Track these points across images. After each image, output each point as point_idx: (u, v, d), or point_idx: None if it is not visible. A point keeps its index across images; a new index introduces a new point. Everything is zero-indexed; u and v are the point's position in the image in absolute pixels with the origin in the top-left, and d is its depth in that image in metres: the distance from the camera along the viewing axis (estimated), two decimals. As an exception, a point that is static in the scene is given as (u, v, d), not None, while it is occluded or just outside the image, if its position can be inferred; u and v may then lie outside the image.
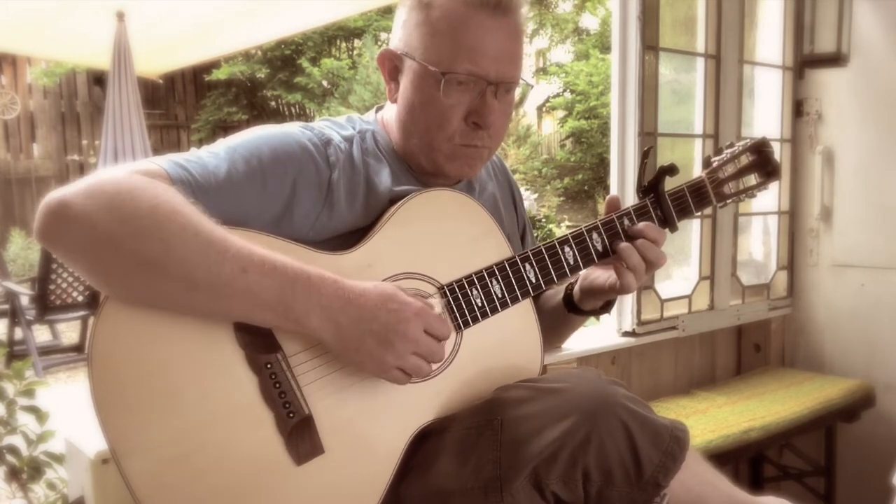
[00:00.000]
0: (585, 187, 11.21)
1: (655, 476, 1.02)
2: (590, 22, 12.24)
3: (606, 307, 1.35)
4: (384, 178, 1.18)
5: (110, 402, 0.95)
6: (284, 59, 10.68)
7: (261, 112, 11.27)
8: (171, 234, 0.94)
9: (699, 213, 1.31)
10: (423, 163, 1.21)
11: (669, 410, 2.20)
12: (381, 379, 1.04)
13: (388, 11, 10.51)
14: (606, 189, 9.54)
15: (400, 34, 1.20)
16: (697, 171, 2.41)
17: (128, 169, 1.00)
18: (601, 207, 10.53)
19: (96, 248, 0.94)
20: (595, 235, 1.24)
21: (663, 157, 2.31)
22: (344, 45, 11.47)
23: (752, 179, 1.33)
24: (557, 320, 1.37)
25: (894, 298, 2.48)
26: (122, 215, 0.93)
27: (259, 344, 1.01)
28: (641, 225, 1.24)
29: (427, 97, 1.15)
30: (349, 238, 1.13)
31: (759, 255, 2.78)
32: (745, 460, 2.53)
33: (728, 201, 1.34)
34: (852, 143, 2.55)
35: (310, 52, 10.65)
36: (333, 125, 1.21)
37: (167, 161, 1.03)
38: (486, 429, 1.04)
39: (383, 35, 10.94)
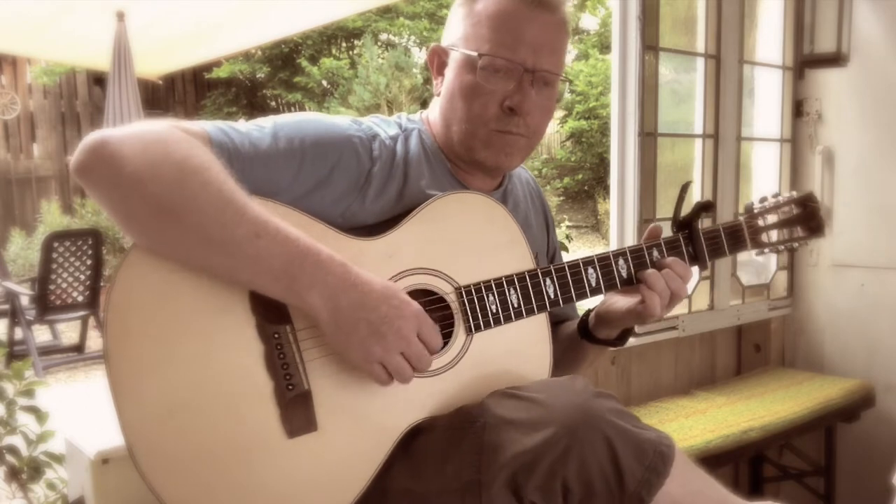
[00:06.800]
0: (585, 187, 11.21)
1: (638, 491, 1.01)
2: (589, 22, 12.23)
3: (622, 338, 1.34)
4: (423, 178, 1.20)
5: (119, 346, 0.97)
6: (284, 57, 10.69)
7: (261, 112, 11.27)
8: (194, 186, 0.96)
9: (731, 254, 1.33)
10: (461, 152, 1.23)
11: (669, 411, 2.21)
12: (364, 372, 1.04)
13: (386, 12, 10.52)
14: (606, 189, 9.53)
15: (448, 30, 1.25)
16: (698, 171, 2.45)
17: (171, 123, 1.03)
18: (601, 207, 10.53)
19: (123, 187, 0.96)
20: (621, 261, 1.24)
21: (663, 158, 2.31)
22: (343, 44, 11.47)
23: (793, 231, 1.33)
24: (571, 348, 1.37)
25: (894, 298, 2.48)
26: (153, 160, 0.96)
27: (271, 313, 1.02)
28: (669, 259, 1.25)
29: (467, 83, 1.19)
30: (376, 228, 1.15)
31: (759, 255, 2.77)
32: (745, 460, 2.53)
33: (766, 250, 1.34)
34: (852, 143, 2.55)
35: (308, 50, 10.65)
36: (381, 122, 1.24)
37: (211, 125, 1.07)
38: (469, 432, 1.04)
39: (382, 35, 10.95)
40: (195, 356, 0.99)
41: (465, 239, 1.18)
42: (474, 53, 1.18)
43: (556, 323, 1.32)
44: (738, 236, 1.31)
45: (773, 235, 1.32)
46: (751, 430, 2.06)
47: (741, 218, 1.33)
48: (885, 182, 2.48)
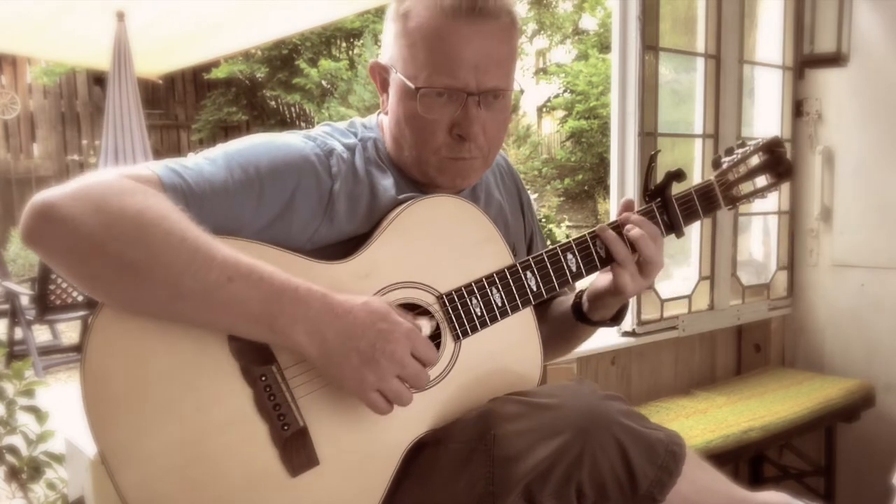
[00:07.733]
0: (585, 187, 11.21)
1: (651, 491, 1.01)
2: (589, 22, 12.24)
3: (617, 318, 1.30)
4: (388, 187, 1.15)
5: (103, 416, 0.94)
6: (283, 58, 10.68)
7: (261, 112, 11.26)
8: (155, 240, 0.92)
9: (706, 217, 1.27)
10: (416, 174, 1.18)
11: (669, 411, 2.21)
12: (361, 402, 1.01)
13: (384, 12, 10.54)
14: (606, 189, 9.54)
15: (385, 47, 1.17)
16: (698, 171, 2.45)
17: (118, 172, 0.97)
18: (601, 207, 10.53)
19: (80, 251, 0.92)
20: (598, 242, 1.20)
21: (663, 158, 2.31)
22: (343, 44, 11.46)
23: (762, 180, 1.29)
24: (565, 328, 1.34)
25: (894, 298, 2.48)
26: (107, 219, 0.91)
27: (254, 356, 0.99)
28: (634, 217, 1.20)
29: (410, 111, 1.11)
30: (348, 245, 1.11)
31: (759, 255, 2.78)
32: (745, 460, 2.53)
33: (737, 204, 1.30)
34: (852, 143, 2.55)
35: (307, 52, 10.64)
36: (335, 132, 1.18)
37: (161, 166, 1.01)
38: (479, 444, 1.03)
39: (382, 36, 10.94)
40: (187, 413, 0.96)
41: (440, 244, 1.14)
42: (412, 86, 1.09)
43: (545, 301, 1.27)
44: (711, 196, 1.26)
45: (744, 188, 1.28)
46: (751, 430, 2.06)
47: (712, 177, 1.28)
48: (885, 182, 2.48)
